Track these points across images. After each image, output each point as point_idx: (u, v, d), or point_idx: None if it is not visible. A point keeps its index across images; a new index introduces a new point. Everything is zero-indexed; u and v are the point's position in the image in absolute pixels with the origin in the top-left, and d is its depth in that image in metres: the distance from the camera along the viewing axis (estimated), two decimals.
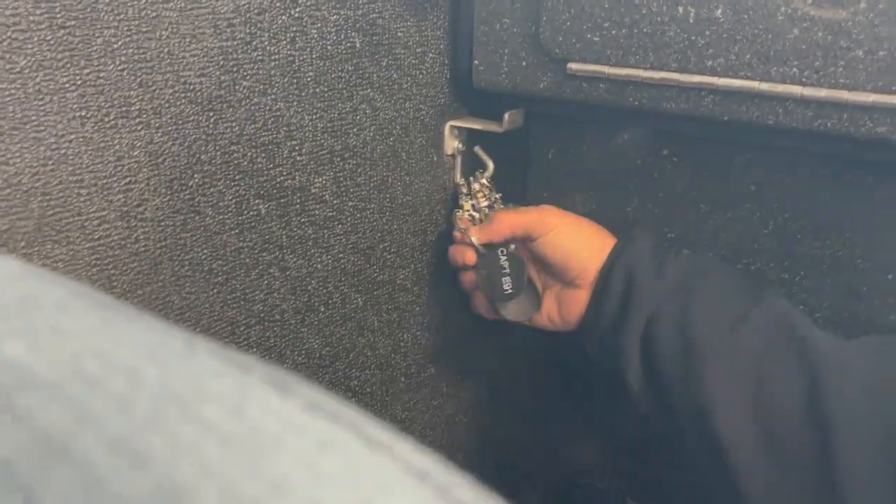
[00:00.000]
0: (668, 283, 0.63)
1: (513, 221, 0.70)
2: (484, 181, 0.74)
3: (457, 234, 0.73)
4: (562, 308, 0.71)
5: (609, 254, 0.67)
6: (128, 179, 0.50)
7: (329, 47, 0.60)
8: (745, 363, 0.57)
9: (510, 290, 0.71)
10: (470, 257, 0.72)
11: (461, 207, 0.75)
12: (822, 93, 0.54)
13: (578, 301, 0.69)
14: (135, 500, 0.12)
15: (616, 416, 0.99)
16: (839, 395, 0.53)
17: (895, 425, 0.51)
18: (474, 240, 0.71)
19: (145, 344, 0.17)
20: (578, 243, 0.69)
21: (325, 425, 0.16)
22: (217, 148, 0.54)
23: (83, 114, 0.47)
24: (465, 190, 0.75)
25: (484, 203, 0.73)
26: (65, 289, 0.20)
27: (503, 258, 0.71)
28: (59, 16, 0.44)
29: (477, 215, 0.74)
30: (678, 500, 0.95)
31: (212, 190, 0.55)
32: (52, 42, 0.44)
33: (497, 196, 0.74)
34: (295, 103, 0.59)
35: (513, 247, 0.72)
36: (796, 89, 0.55)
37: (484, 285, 0.72)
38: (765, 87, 0.56)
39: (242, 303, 0.59)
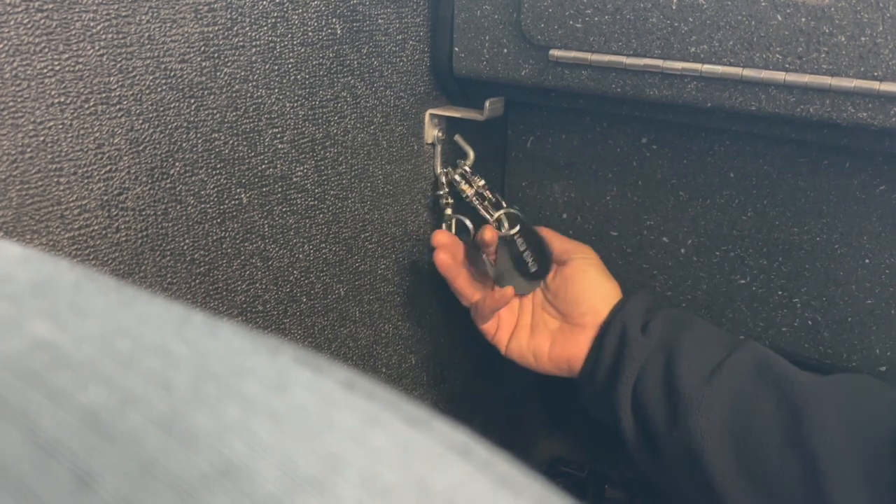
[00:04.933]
0: (653, 339, 0.65)
1: (553, 235, 0.72)
2: (466, 169, 0.73)
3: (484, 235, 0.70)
4: (554, 347, 0.71)
5: (612, 308, 0.69)
6: (108, 167, 0.48)
7: (310, 34, 0.59)
8: (726, 401, 0.60)
9: (536, 268, 0.70)
10: (492, 236, 0.69)
11: (443, 200, 0.74)
12: (805, 78, 0.54)
13: (576, 342, 0.70)
14: (192, 480, 0.12)
15: None
16: (822, 426, 0.55)
17: (875, 453, 0.53)
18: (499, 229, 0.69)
19: (169, 323, 0.17)
20: (599, 280, 0.70)
21: (366, 403, 0.15)
22: (198, 136, 0.53)
23: (62, 100, 0.45)
24: (443, 179, 0.74)
25: (470, 192, 0.73)
26: (75, 271, 0.19)
27: (519, 239, 0.70)
28: None
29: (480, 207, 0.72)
30: (656, 488, 0.96)
31: (193, 178, 0.54)
32: (28, 25, 0.43)
33: (481, 183, 0.73)
34: (276, 90, 0.58)
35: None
36: (779, 75, 0.55)
37: (516, 261, 0.70)
38: (748, 73, 0.56)
39: (225, 294, 0.58)
